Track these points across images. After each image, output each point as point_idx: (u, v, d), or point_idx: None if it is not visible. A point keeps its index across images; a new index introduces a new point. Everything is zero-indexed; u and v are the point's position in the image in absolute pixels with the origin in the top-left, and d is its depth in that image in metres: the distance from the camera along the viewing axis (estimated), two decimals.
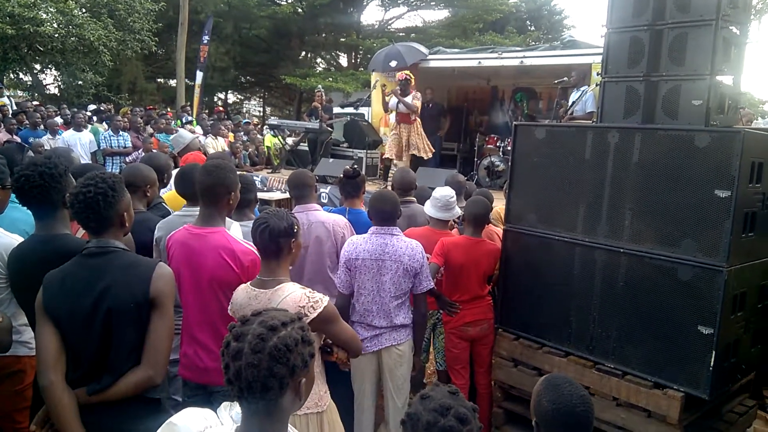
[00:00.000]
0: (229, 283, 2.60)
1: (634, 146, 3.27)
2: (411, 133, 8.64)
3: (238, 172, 2.95)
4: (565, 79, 7.77)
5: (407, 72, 8.76)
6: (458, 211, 4.17)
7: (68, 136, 9.50)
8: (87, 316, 2.08)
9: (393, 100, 8.61)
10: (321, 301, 2.38)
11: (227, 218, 2.88)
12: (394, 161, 8.84)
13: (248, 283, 2.48)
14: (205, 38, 19.03)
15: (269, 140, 11.52)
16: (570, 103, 7.80)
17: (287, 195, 7.93)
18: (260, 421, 1.40)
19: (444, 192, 4.11)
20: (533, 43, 20.98)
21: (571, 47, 9.13)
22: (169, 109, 18.30)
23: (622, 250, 3.32)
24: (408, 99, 8.38)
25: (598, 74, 6.49)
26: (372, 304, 3.35)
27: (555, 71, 8.64)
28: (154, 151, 8.42)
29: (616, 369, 3.35)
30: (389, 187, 6.53)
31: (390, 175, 8.44)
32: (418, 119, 8.69)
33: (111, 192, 2.14)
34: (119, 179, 2.22)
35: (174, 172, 4.00)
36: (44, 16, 15.56)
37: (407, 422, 1.60)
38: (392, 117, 8.97)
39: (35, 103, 13.27)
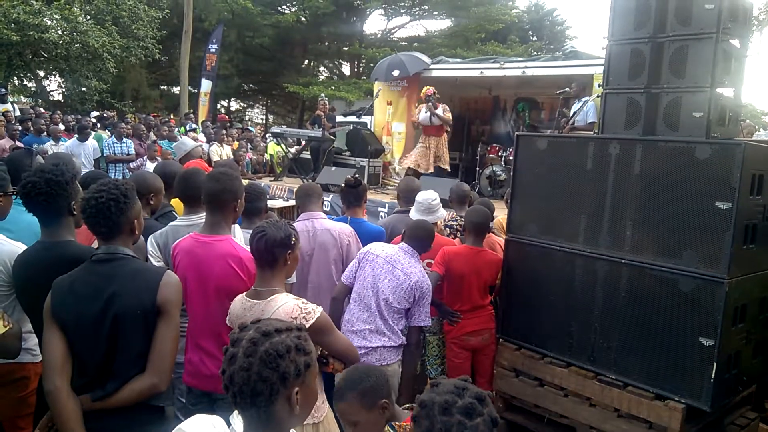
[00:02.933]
0: (236, 290, 2.60)
1: (635, 158, 3.29)
2: (439, 145, 8.91)
3: (245, 181, 2.96)
4: (567, 89, 7.81)
5: (431, 87, 8.98)
6: (442, 213, 4.12)
7: (71, 143, 9.53)
8: (94, 321, 2.09)
9: (423, 114, 8.84)
10: (314, 311, 2.36)
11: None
12: (397, 170, 8.97)
13: (244, 293, 2.49)
14: (213, 47, 19.10)
15: (272, 148, 11.56)
16: (571, 113, 7.83)
17: (289, 203, 7.96)
18: (256, 430, 1.42)
19: (426, 195, 4.10)
20: (535, 53, 21.08)
21: (573, 58, 9.16)
22: (171, 116, 18.37)
23: (623, 261, 3.33)
24: (439, 112, 8.66)
25: (599, 85, 6.52)
26: (364, 310, 3.31)
27: (557, 82, 8.68)
28: (164, 159, 8.45)
29: (618, 380, 3.36)
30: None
31: None
32: (447, 131, 8.97)
33: (123, 198, 2.16)
34: (132, 186, 2.25)
35: None
36: (49, 22, 15.68)
37: (420, 411, 1.50)
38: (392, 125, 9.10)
39: (41, 110, 13.31)
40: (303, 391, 1.45)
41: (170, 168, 4.08)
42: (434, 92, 8.77)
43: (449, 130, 9.04)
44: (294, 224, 3.98)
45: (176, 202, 3.92)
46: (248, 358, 1.38)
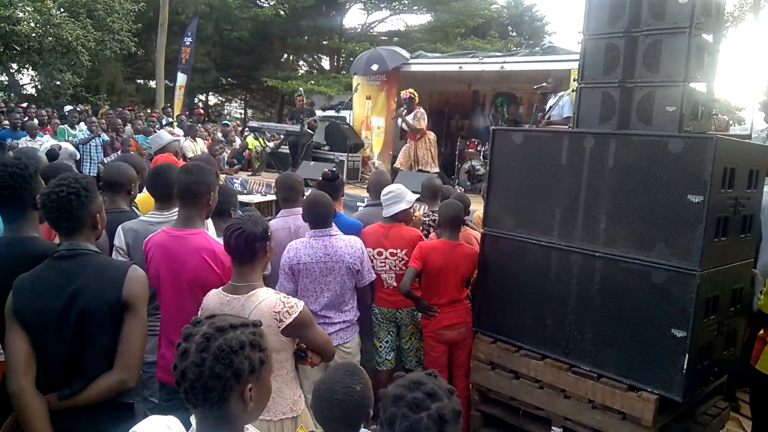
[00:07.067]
0: (210, 284, 2.58)
1: (609, 151, 3.30)
2: (418, 149, 8.94)
3: (222, 176, 2.94)
4: (544, 84, 7.85)
5: (411, 91, 8.99)
6: (401, 206, 4.07)
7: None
8: (58, 319, 2.05)
9: (399, 119, 8.94)
10: (296, 305, 2.38)
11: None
12: (376, 164, 8.96)
13: (220, 288, 2.46)
14: (188, 39, 18.89)
15: (251, 142, 11.45)
16: (547, 108, 7.87)
17: (267, 198, 7.90)
18: (210, 427, 1.40)
19: (383, 191, 4.16)
20: (514, 48, 21.17)
21: (551, 53, 9.20)
22: (150, 111, 18.12)
23: (597, 254, 3.35)
24: (410, 118, 8.71)
25: (575, 80, 6.56)
26: (315, 305, 3.37)
27: (535, 76, 8.71)
28: (139, 153, 8.35)
29: (592, 371, 3.38)
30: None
31: None
32: (428, 134, 8.96)
33: (84, 192, 2.11)
34: (92, 180, 2.20)
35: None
36: (21, 15, 15.30)
37: (382, 398, 1.58)
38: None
39: (24, 104, 13.02)
40: (257, 387, 1.43)
41: (131, 161, 4.09)
42: (411, 97, 8.78)
43: (421, 137, 8.87)
44: (274, 220, 3.97)
45: (141, 200, 3.86)
46: (201, 353, 1.35)
